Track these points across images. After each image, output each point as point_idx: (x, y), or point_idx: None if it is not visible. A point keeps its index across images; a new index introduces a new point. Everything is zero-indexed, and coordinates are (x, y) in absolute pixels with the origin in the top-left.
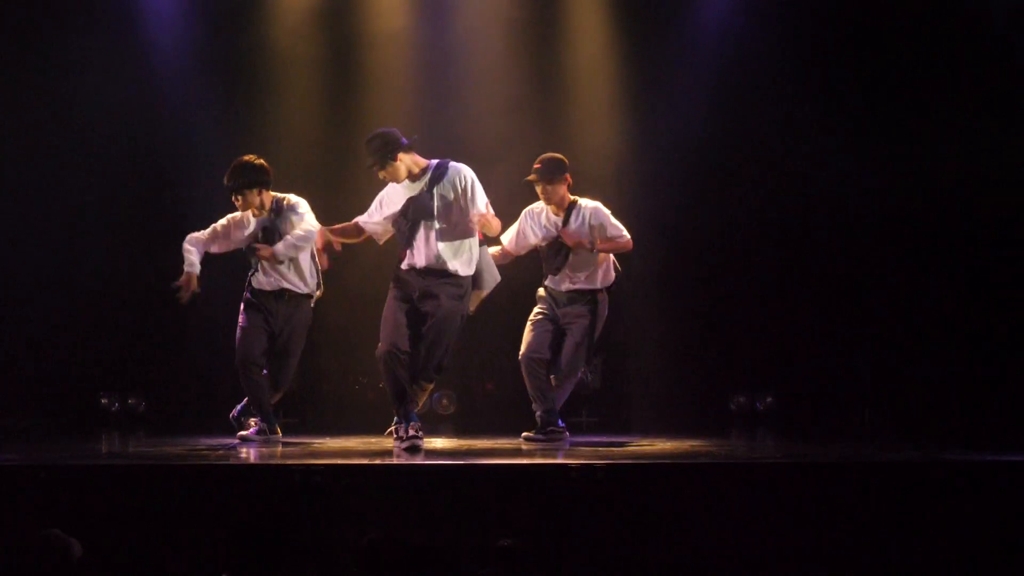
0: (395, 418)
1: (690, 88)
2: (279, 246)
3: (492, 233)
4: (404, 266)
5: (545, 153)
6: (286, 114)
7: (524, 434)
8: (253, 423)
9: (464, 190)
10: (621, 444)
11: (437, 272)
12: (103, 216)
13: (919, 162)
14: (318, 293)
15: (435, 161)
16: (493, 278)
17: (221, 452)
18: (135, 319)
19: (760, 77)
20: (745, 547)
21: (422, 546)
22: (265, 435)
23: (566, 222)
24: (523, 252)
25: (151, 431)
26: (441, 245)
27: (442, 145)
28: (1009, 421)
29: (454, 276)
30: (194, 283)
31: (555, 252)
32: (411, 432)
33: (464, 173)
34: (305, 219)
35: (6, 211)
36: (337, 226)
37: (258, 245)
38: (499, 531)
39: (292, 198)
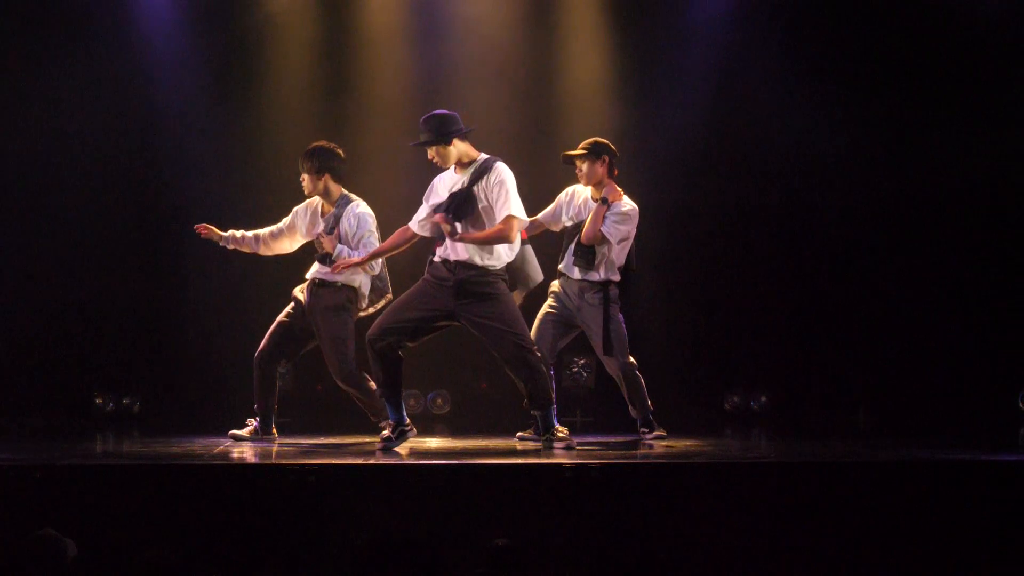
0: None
1: (686, 89)
2: (343, 248)
3: (508, 242)
4: (437, 258)
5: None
6: (282, 115)
7: (519, 434)
8: (250, 422)
9: (493, 189)
10: (616, 444)
11: (467, 266)
12: (97, 215)
13: (917, 161)
14: (372, 308)
15: (484, 156)
16: (534, 278)
17: (216, 452)
18: (130, 319)
19: (759, 74)
20: (740, 547)
21: (417, 546)
22: (258, 436)
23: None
24: (552, 226)
25: (146, 431)
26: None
27: None
28: (1005, 421)
29: (483, 269)
30: (211, 233)
31: (575, 237)
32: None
33: (499, 174)
34: (366, 239)
35: (1, 211)
36: (385, 245)
37: (323, 236)
38: (494, 530)
39: (362, 209)
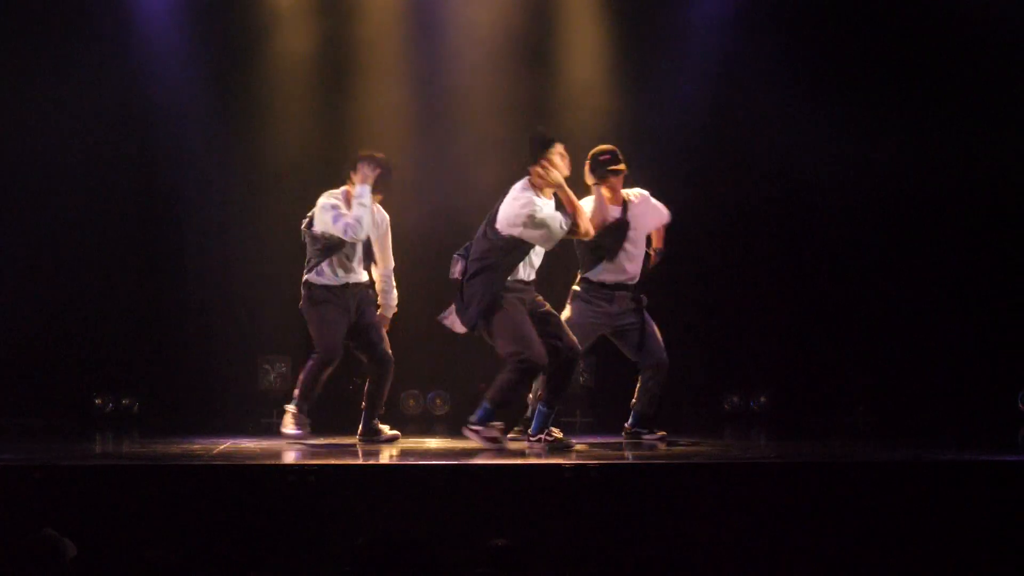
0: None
1: (685, 88)
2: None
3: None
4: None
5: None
6: (282, 115)
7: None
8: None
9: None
10: (615, 444)
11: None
12: (97, 215)
13: (917, 161)
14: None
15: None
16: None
17: (216, 452)
18: (130, 319)
19: (759, 74)
20: (739, 547)
21: (416, 546)
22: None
23: (625, 211)
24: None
25: (145, 431)
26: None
27: (433, 139)
28: (1005, 421)
29: None
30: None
31: (612, 240)
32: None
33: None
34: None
35: (1, 211)
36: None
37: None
38: (493, 531)
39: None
